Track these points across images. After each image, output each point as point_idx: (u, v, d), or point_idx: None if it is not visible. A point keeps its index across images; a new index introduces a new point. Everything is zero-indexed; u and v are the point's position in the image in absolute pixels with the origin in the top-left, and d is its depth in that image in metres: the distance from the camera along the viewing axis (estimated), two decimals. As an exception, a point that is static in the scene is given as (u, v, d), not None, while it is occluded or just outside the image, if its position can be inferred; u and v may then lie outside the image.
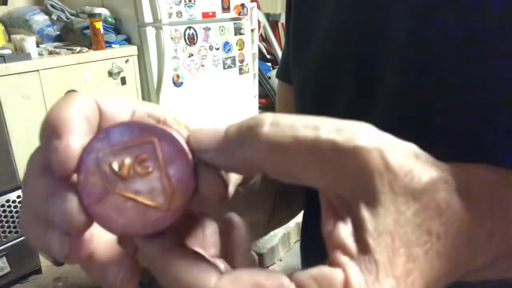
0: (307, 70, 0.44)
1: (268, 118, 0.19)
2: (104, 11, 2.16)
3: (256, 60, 2.75)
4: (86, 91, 1.95)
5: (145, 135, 0.20)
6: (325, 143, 0.18)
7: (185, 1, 2.21)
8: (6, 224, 0.82)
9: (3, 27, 2.12)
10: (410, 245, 0.19)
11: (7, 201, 0.81)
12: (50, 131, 0.19)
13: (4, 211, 0.81)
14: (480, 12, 0.28)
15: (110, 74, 2.05)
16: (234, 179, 0.23)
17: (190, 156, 0.20)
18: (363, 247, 0.18)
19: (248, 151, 0.19)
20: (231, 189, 0.22)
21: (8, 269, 0.81)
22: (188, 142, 0.21)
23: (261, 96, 2.91)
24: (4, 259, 0.81)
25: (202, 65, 2.36)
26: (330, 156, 0.18)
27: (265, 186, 0.34)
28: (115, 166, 0.20)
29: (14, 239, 0.83)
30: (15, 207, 0.82)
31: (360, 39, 0.37)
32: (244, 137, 0.19)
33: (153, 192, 0.20)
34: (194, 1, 2.25)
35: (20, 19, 2.15)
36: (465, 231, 0.20)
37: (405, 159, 0.19)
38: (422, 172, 0.19)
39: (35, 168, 0.21)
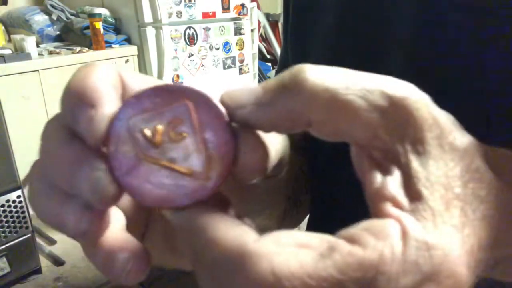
0: None
1: (310, 66, 0.18)
2: (104, 11, 2.16)
3: (256, 60, 2.75)
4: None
5: (177, 98, 0.19)
6: (375, 91, 0.18)
7: (185, 1, 2.21)
8: (6, 224, 0.82)
9: (3, 27, 2.12)
10: (461, 200, 0.17)
11: (7, 201, 0.81)
12: (80, 99, 0.18)
13: (4, 211, 0.81)
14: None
15: (110, 74, 2.04)
16: (273, 152, 0.21)
17: (227, 118, 0.19)
18: (416, 196, 0.17)
19: (293, 99, 0.18)
20: (273, 159, 0.20)
21: (8, 269, 0.81)
22: (221, 103, 0.19)
23: (261, 96, 2.91)
24: (4, 259, 0.81)
25: (202, 65, 2.36)
26: (380, 104, 0.17)
27: (277, 192, 0.34)
28: (148, 132, 0.19)
29: (14, 239, 0.83)
30: (15, 207, 0.82)
31: (363, 44, 0.37)
32: (287, 85, 0.18)
33: (189, 158, 0.18)
34: (194, 1, 2.25)
35: (20, 19, 2.15)
36: (502, 202, 0.19)
37: (446, 119, 0.18)
38: (461, 134, 0.19)
39: (57, 136, 0.19)
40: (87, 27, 2.04)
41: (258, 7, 3.06)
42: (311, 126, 0.18)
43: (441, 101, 0.19)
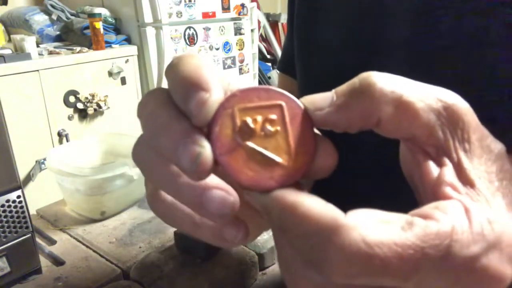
0: (314, 69, 0.44)
1: (376, 73, 0.21)
2: (104, 11, 2.16)
3: (256, 60, 2.75)
4: (86, 91, 1.95)
5: (274, 99, 0.23)
6: (431, 96, 0.21)
7: (185, 1, 2.21)
8: (6, 224, 0.82)
9: (3, 27, 2.12)
10: (500, 192, 0.21)
11: (7, 201, 0.81)
12: (196, 84, 0.21)
13: (4, 211, 0.81)
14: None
15: (110, 74, 2.05)
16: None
17: (312, 121, 0.22)
18: (469, 184, 0.20)
19: (365, 100, 0.20)
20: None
21: (8, 269, 0.81)
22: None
23: (261, 96, 2.92)
24: (4, 259, 0.81)
25: (202, 65, 2.36)
26: (435, 107, 0.20)
27: None
28: (249, 121, 0.22)
29: (14, 239, 0.83)
30: (15, 207, 0.82)
31: (365, 49, 0.38)
32: (358, 88, 0.21)
33: (278, 149, 0.22)
34: (194, 1, 2.25)
35: (20, 19, 2.15)
36: None
37: (482, 126, 0.21)
38: (494, 140, 0.22)
39: (169, 112, 0.22)
40: (87, 27, 2.04)
41: (258, 7, 3.06)
42: (380, 124, 0.21)
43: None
